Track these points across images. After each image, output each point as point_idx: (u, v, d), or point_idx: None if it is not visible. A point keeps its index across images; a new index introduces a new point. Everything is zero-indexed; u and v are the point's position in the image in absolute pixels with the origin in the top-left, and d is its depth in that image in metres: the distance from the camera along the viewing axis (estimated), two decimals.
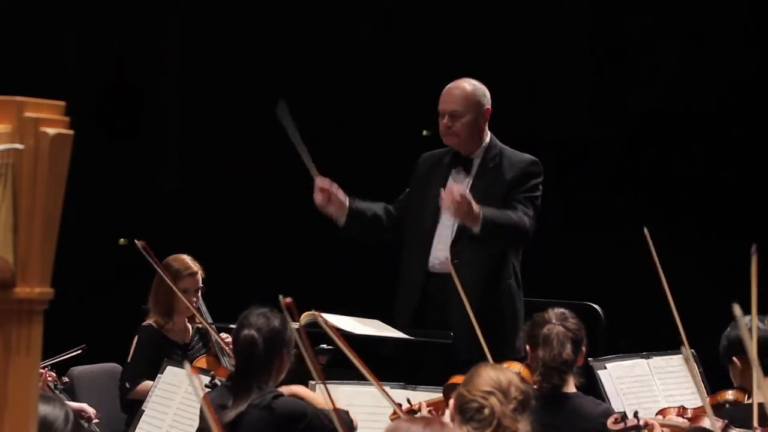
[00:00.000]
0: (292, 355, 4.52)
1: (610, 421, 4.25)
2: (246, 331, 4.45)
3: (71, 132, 2.28)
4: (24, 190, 2.24)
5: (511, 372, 3.87)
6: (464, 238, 5.68)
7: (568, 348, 4.51)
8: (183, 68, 8.90)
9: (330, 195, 5.74)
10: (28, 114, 2.25)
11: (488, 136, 5.85)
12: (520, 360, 4.71)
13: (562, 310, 4.65)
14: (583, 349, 4.60)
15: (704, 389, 5.29)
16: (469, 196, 5.46)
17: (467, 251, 5.65)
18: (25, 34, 8.24)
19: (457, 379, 4.46)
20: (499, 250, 5.69)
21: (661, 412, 4.85)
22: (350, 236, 5.90)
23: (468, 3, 8.41)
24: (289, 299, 3.75)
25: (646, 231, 5.32)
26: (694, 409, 4.81)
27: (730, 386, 4.72)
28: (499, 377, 3.73)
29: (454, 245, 5.70)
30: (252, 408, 4.36)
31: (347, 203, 5.77)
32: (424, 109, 6.34)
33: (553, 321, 4.57)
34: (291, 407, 4.43)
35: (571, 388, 4.56)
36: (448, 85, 5.83)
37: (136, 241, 5.81)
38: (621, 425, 4.24)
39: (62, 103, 2.31)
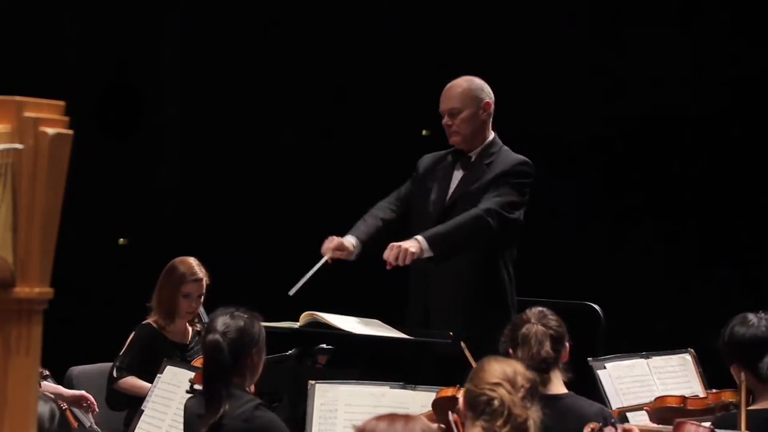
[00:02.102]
0: (263, 354, 4.43)
1: (586, 430, 4.23)
2: (210, 336, 4.34)
3: (71, 132, 2.28)
4: (24, 189, 2.23)
5: (516, 362, 3.88)
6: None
7: (547, 345, 4.50)
8: (182, 67, 8.90)
9: (334, 250, 5.72)
10: (27, 114, 2.25)
11: (492, 135, 5.85)
12: None
13: (540, 308, 4.64)
14: (567, 344, 4.59)
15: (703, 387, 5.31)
16: (403, 251, 5.45)
17: None
18: (25, 34, 8.24)
19: (445, 392, 4.45)
20: (471, 249, 5.68)
21: (660, 399, 4.86)
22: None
23: (468, 1, 8.41)
24: None
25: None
26: (692, 399, 4.82)
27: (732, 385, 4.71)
28: (505, 368, 3.74)
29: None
30: (230, 418, 4.26)
31: (353, 245, 5.75)
32: (424, 109, 6.35)
33: (532, 320, 4.56)
34: (274, 421, 4.33)
35: (559, 387, 4.53)
36: (446, 87, 5.82)
37: None
38: None
39: (62, 103, 2.31)
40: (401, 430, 3.00)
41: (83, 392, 5.71)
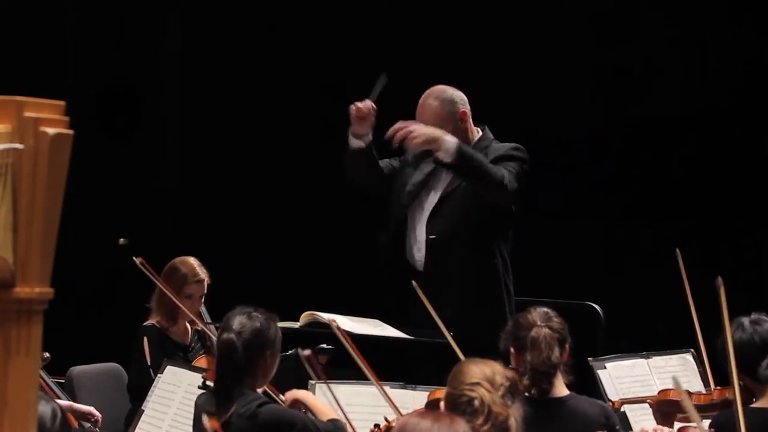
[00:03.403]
0: (277, 356, 4.43)
1: None
2: (225, 335, 4.33)
3: (71, 132, 2.28)
4: (24, 189, 2.23)
5: (494, 363, 3.84)
6: (443, 210, 5.70)
7: (557, 351, 4.48)
8: (182, 67, 8.91)
9: (363, 116, 5.75)
10: (28, 114, 2.24)
11: (478, 133, 5.83)
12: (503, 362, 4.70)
13: (544, 309, 4.60)
14: (567, 346, 4.58)
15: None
16: (422, 129, 5.53)
17: (446, 225, 5.68)
18: (25, 35, 8.24)
19: (437, 393, 4.45)
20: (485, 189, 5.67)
21: (663, 393, 4.86)
22: (351, 168, 5.91)
23: (469, 1, 8.41)
24: (307, 352, 3.60)
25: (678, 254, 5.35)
26: (696, 395, 4.83)
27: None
28: (483, 369, 3.72)
29: (432, 218, 5.72)
30: (236, 417, 4.26)
31: (369, 137, 5.78)
32: None
33: (539, 323, 4.51)
34: (277, 415, 4.32)
35: (562, 390, 4.52)
36: (419, 104, 5.77)
37: (134, 258, 5.78)
38: None
39: (62, 103, 2.30)
40: (446, 430, 2.97)
41: (91, 409, 5.71)
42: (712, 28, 8.15)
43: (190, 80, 8.80)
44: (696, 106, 8.15)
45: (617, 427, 4.36)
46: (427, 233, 5.73)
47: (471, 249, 5.68)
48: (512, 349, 4.56)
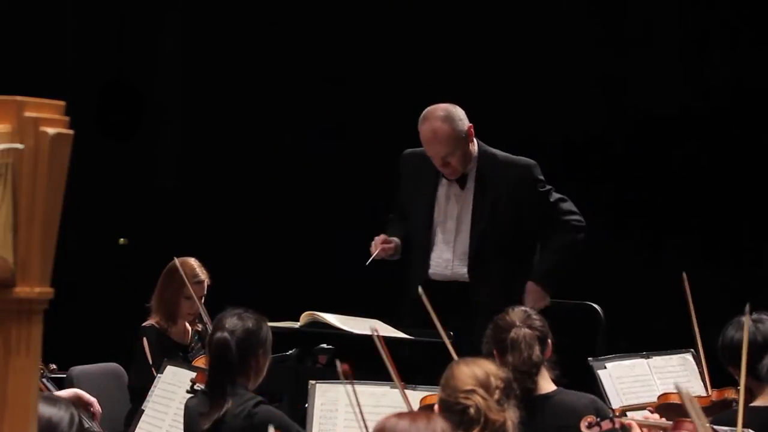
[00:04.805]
0: (269, 356, 4.46)
1: (583, 425, 4.21)
2: (218, 334, 4.37)
3: (71, 132, 2.27)
4: (24, 189, 2.23)
5: (486, 362, 3.82)
6: (481, 252, 5.71)
7: (537, 350, 4.50)
8: (182, 67, 8.91)
9: (384, 249, 5.82)
10: (28, 114, 2.24)
11: (476, 145, 5.82)
12: None
13: (523, 309, 4.65)
14: (549, 342, 4.59)
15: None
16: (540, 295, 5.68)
17: (484, 265, 5.70)
18: (25, 34, 8.24)
19: (431, 399, 4.44)
20: (519, 262, 5.79)
21: (663, 396, 4.86)
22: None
23: (470, 3, 8.41)
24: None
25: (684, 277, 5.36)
26: (700, 398, 4.83)
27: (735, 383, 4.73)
28: (475, 372, 3.68)
29: (472, 259, 5.73)
30: (231, 416, 4.28)
31: (397, 245, 5.89)
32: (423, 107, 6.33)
33: (518, 323, 4.53)
34: (274, 417, 4.34)
35: (548, 386, 4.54)
36: (426, 129, 5.69)
37: None
38: (595, 429, 4.20)
39: (62, 103, 2.30)
40: (423, 429, 2.97)
41: (94, 401, 5.69)
42: (712, 28, 8.15)
43: (190, 79, 8.80)
44: (697, 106, 8.15)
45: (611, 415, 4.37)
46: (468, 271, 5.79)
47: (509, 284, 5.77)
48: (495, 352, 4.56)
